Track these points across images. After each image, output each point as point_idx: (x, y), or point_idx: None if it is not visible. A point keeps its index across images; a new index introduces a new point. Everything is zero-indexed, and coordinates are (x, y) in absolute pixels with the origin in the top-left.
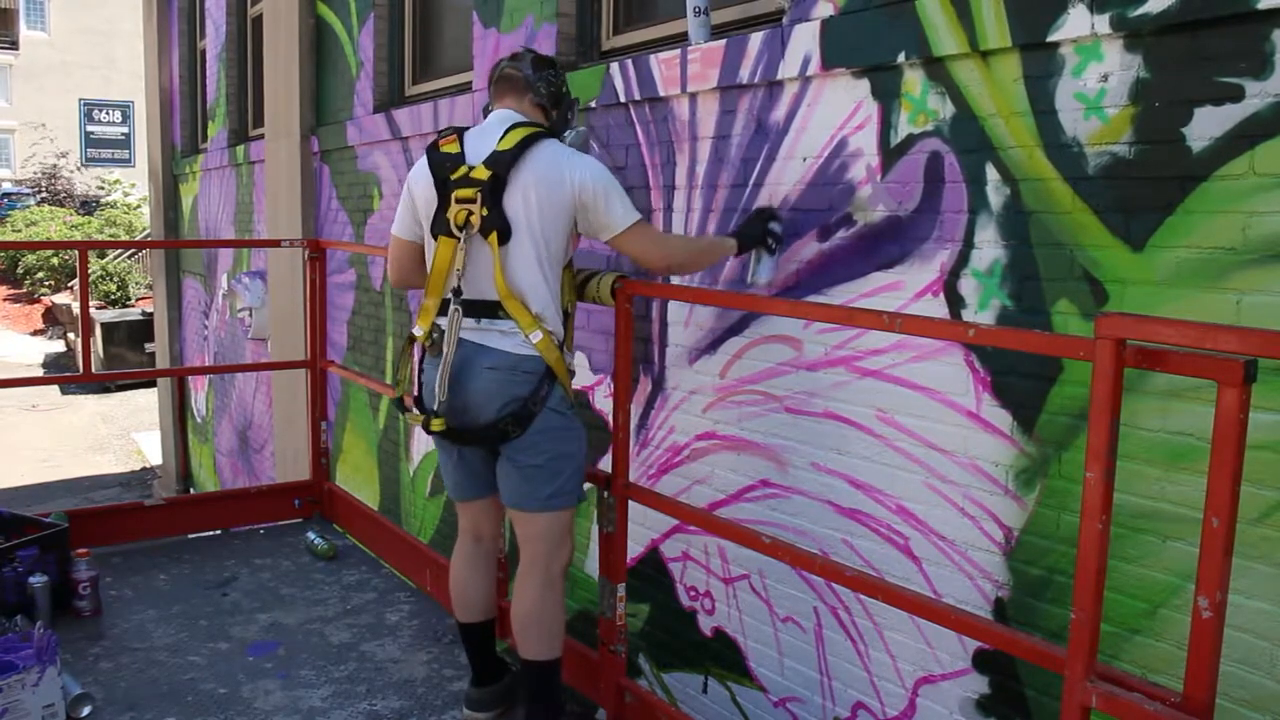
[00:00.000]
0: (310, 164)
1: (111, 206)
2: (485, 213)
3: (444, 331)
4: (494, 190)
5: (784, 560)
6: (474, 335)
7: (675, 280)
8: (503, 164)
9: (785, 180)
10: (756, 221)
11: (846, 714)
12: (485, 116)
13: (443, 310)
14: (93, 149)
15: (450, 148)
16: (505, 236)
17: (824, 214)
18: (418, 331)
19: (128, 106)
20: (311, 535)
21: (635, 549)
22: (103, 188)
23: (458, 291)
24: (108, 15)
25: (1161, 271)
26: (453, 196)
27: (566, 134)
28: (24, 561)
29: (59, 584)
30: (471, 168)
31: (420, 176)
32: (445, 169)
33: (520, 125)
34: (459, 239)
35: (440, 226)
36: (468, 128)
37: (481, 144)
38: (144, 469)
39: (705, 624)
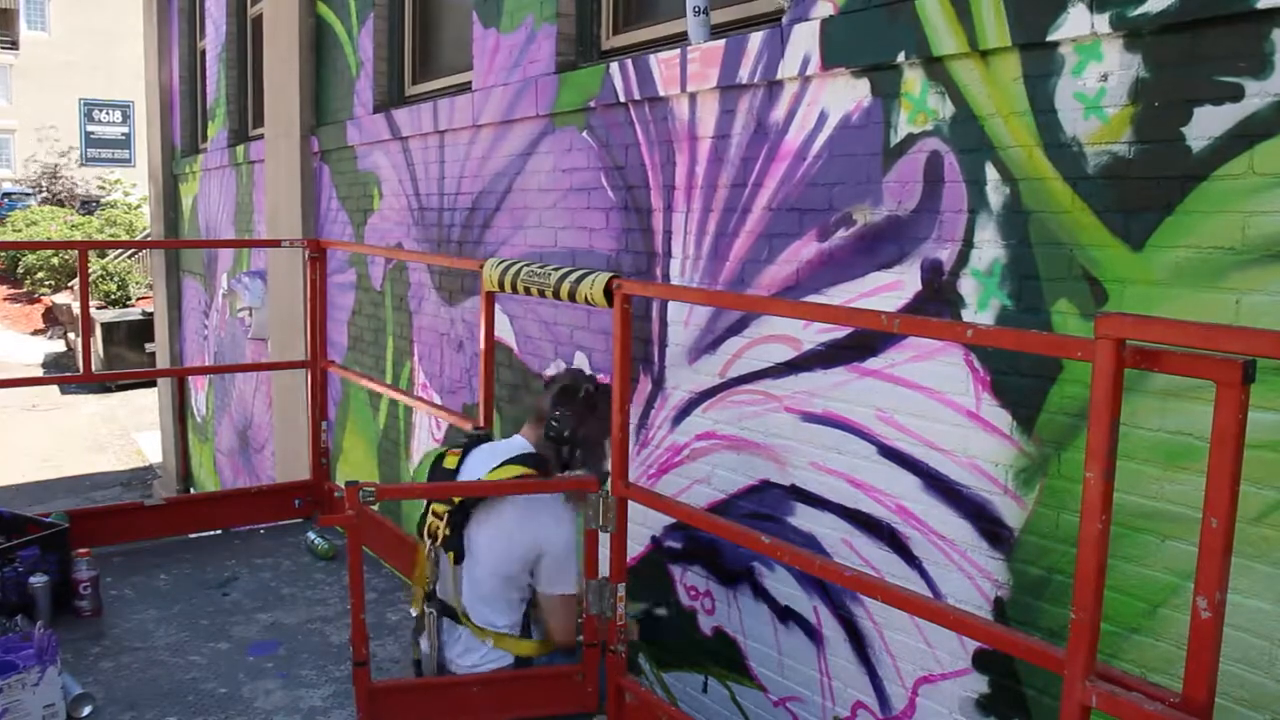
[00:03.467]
0: (310, 164)
1: (112, 206)
2: (448, 533)
3: (424, 629)
4: (458, 517)
5: (784, 560)
6: (450, 638)
7: (675, 280)
8: (473, 497)
9: (785, 180)
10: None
11: (846, 713)
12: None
13: (429, 597)
14: (93, 149)
15: (450, 463)
16: (460, 558)
17: (823, 214)
18: (413, 612)
19: (128, 106)
20: (312, 535)
21: (635, 549)
22: (103, 188)
23: (430, 595)
24: (108, 15)
25: (1161, 271)
26: (430, 506)
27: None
28: (25, 561)
29: (60, 584)
30: None
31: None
32: (435, 478)
33: (516, 462)
34: (427, 546)
35: (420, 525)
36: (484, 438)
37: (480, 466)
38: (144, 468)
39: (705, 623)
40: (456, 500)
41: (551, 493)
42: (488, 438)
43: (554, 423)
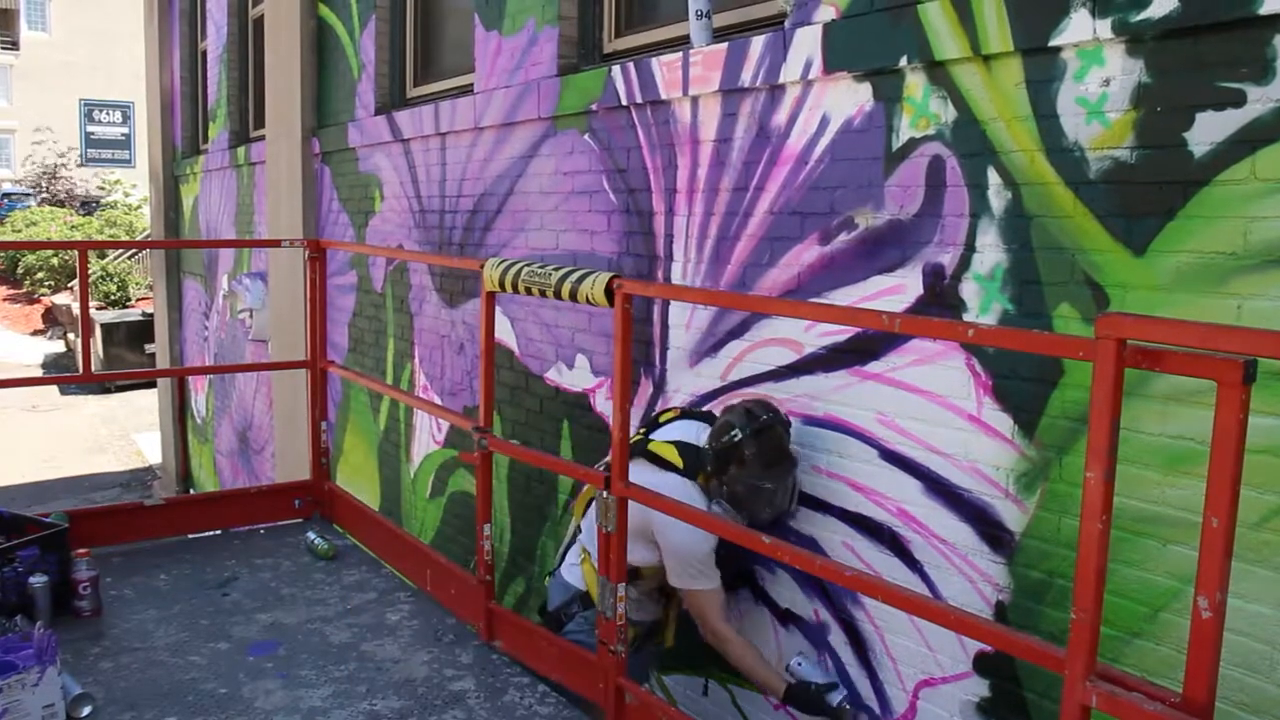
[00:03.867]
0: (311, 165)
1: (112, 207)
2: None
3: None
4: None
5: (784, 561)
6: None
7: (675, 280)
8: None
9: (786, 184)
10: (816, 698)
11: None
12: None
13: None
14: (93, 149)
15: (665, 418)
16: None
17: (825, 218)
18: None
19: (128, 107)
20: (312, 535)
21: None
22: (103, 188)
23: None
24: (108, 16)
25: (1163, 276)
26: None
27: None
28: (24, 561)
29: (59, 584)
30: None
31: None
32: (643, 426)
33: (678, 445)
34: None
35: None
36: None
37: (677, 430)
38: (144, 469)
39: None
40: (641, 432)
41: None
42: (694, 417)
43: (706, 450)
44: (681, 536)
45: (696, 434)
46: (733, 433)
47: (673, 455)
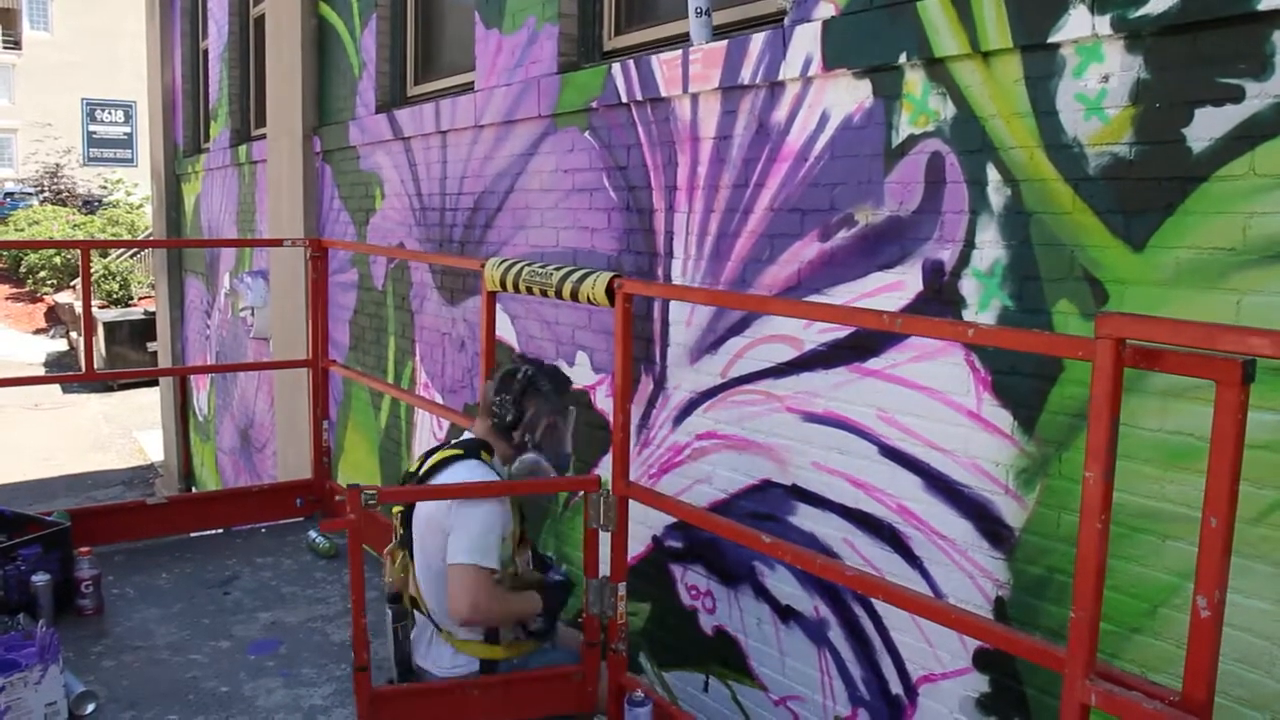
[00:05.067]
0: (312, 164)
1: (114, 206)
2: (401, 531)
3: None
4: (408, 514)
5: (784, 559)
6: (419, 638)
7: (676, 281)
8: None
9: (786, 180)
10: (559, 587)
11: (847, 713)
12: None
13: (394, 599)
14: (95, 148)
15: (412, 468)
16: (411, 555)
17: (825, 214)
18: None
19: (130, 106)
20: (313, 534)
21: (636, 549)
22: (105, 187)
23: (394, 595)
24: (110, 15)
25: (1162, 272)
26: (392, 508)
27: (519, 460)
28: (27, 560)
29: (61, 582)
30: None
31: None
32: (403, 482)
33: (446, 448)
34: (392, 544)
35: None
36: (445, 443)
37: (429, 461)
38: (146, 467)
39: (706, 623)
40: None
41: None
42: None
43: (495, 409)
44: (479, 514)
45: (461, 438)
46: (523, 371)
47: (451, 452)
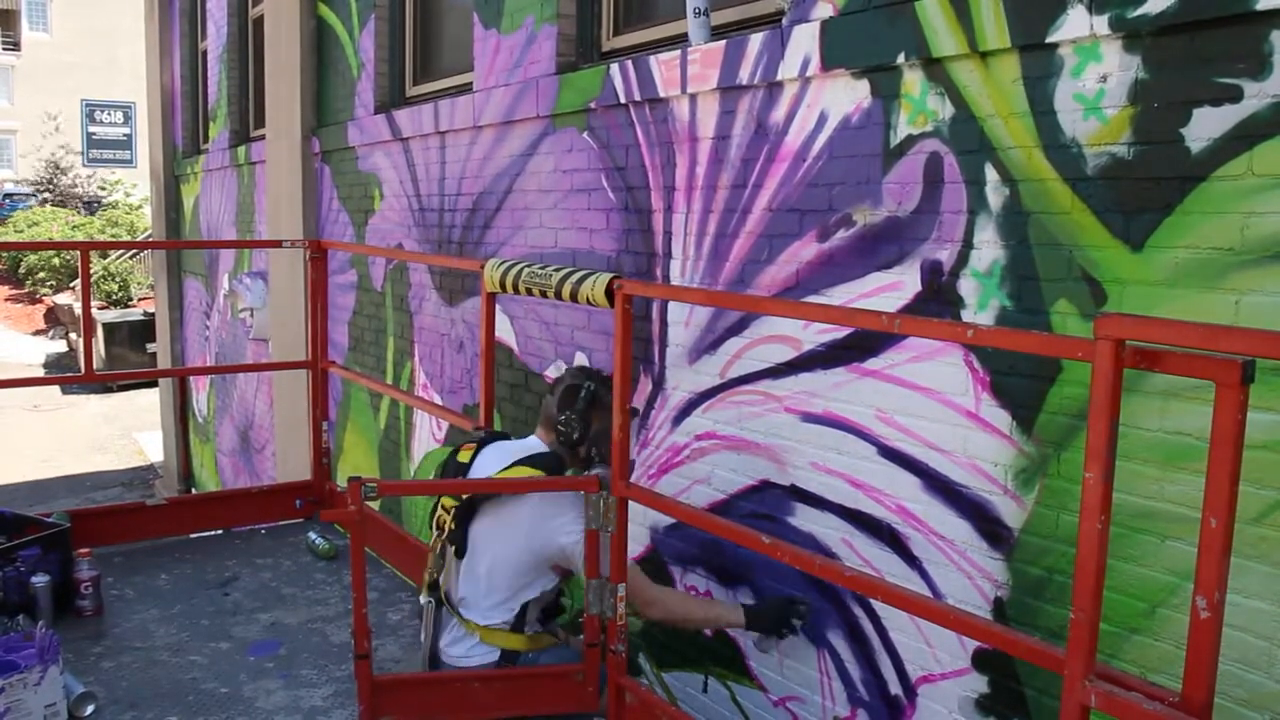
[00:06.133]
0: (311, 164)
1: (113, 207)
2: (453, 528)
3: (422, 615)
4: (464, 512)
5: (784, 560)
6: (445, 628)
7: (675, 281)
8: (481, 494)
9: (785, 181)
10: (779, 609)
11: (846, 713)
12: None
13: (432, 587)
14: (94, 149)
15: (464, 458)
16: (461, 553)
17: (823, 214)
18: (422, 598)
19: (129, 107)
20: (313, 535)
21: (635, 549)
22: (104, 188)
23: (434, 584)
24: (109, 16)
25: (1160, 272)
26: (440, 500)
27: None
28: (26, 561)
29: (61, 584)
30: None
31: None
32: (449, 471)
33: (527, 463)
34: (435, 537)
35: (431, 516)
36: (501, 436)
37: (493, 464)
38: (145, 468)
39: None
40: (465, 496)
41: (564, 491)
42: (505, 436)
43: (561, 427)
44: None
45: (527, 444)
46: (587, 386)
47: (533, 471)
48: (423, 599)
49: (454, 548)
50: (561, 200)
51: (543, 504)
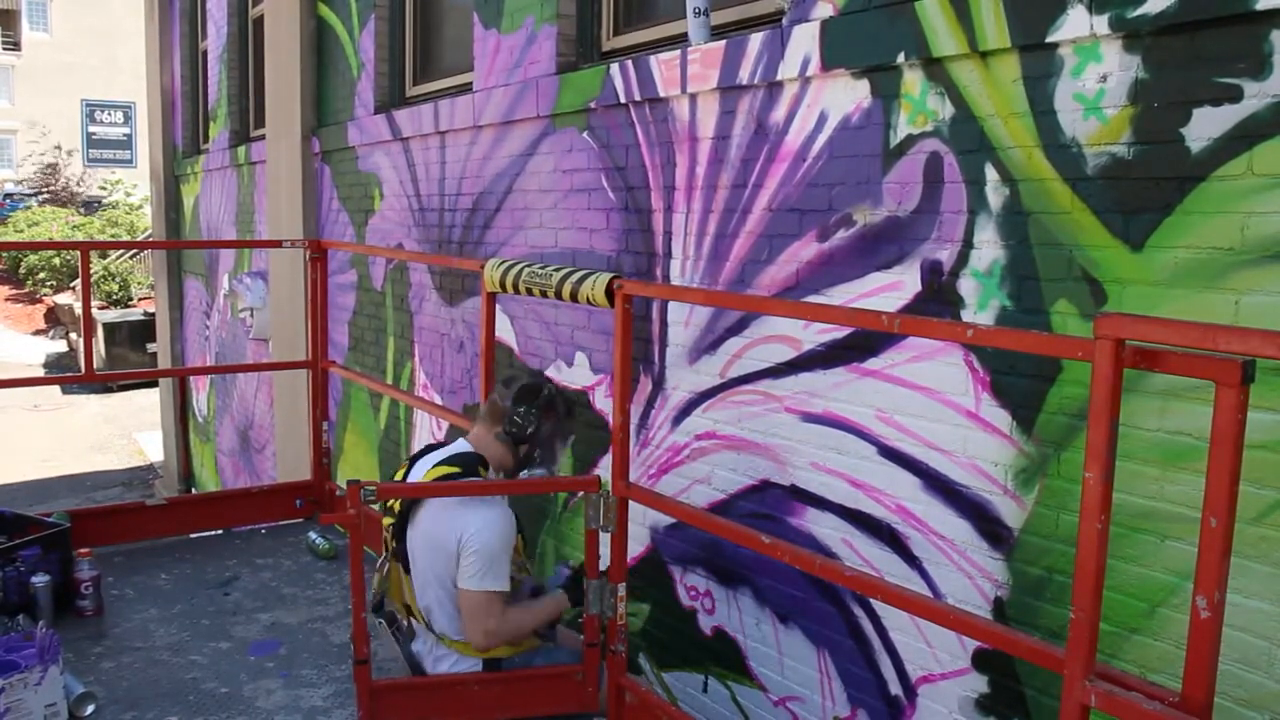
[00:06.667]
0: (311, 164)
1: (113, 207)
2: (394, 544)
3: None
4: (400, 526)
5: (783, 560)
6: (422, 645)
7: (675, 281)
8: (408, 502)
9: (785, 181)
10: (575, 579)
11: (846, 713)
12: None
13: (377, 608)
14: (94, 149)
15: (399, 476)
16: (406, 569)
17: (823, 214)
18: (370, 618)
19: (129, 107)
20: (313, 535)
21: (635, 549)
22: (104, 188)
23: (378, 605)
24: (110, 16)
25: (1160, 272)
26: (383, 519)
27: (526, 473)
28: (26, 561)
29: (61, 584)
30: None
31: None
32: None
33: (445, 463)
34: (381, 556)
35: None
36: (435, 446)
37: (419, 474)
38: (145, 468)
39: (705, 623)
40: (396, 510)
41: (558, 491)
42: (440, 446)
43: (516, 419)
44: (489, 538)
45: (452, 447)
46: (548, 388)
47: (447, 470)
48: (371, 618)
49: (400, 564)
50: (561, 200)
51: (459, 505)
